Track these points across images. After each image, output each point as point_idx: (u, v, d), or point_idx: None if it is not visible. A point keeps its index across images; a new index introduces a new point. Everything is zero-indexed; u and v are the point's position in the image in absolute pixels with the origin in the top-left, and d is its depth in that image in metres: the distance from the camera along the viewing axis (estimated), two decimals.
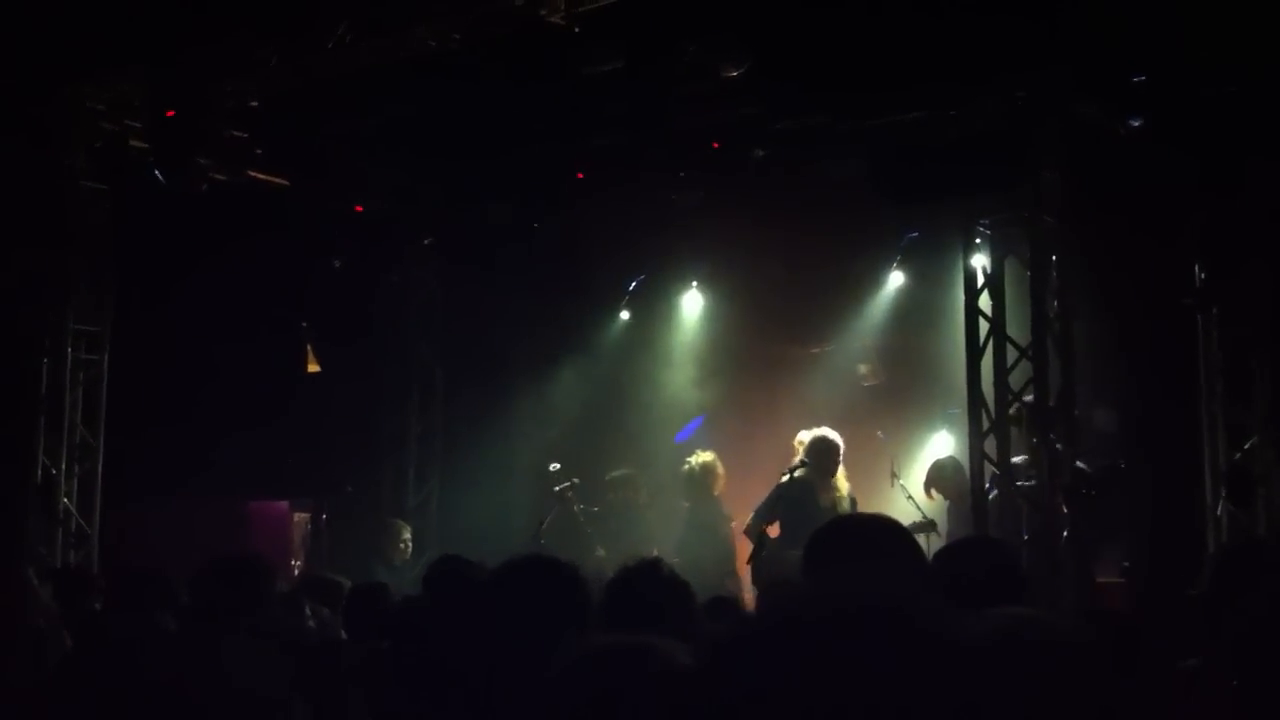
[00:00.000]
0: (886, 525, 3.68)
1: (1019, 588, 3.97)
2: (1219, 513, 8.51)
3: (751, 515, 9.69)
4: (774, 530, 9.60)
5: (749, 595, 8.98)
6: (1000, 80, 8.17)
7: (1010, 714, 1.27)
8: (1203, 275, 8.69)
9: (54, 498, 10.20)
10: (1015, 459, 8.76)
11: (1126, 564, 9.04)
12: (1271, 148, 7.80)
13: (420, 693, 3.00)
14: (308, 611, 6.21)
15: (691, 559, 8.98)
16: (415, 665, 3.40)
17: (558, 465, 10.73)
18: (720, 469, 10.46)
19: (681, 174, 10.20)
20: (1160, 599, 7.40)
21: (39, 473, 10.16)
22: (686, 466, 10.53)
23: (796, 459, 9.67)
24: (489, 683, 2.84)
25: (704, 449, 10.63)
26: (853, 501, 9.64)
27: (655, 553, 8.46)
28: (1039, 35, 7.79)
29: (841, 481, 9.63)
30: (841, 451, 9.62)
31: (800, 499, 9.46)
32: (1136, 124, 8.11)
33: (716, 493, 10.45)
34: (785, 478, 9.61)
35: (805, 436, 9.73)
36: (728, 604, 5.74)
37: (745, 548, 9.67)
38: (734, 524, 10.49)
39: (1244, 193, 8.03)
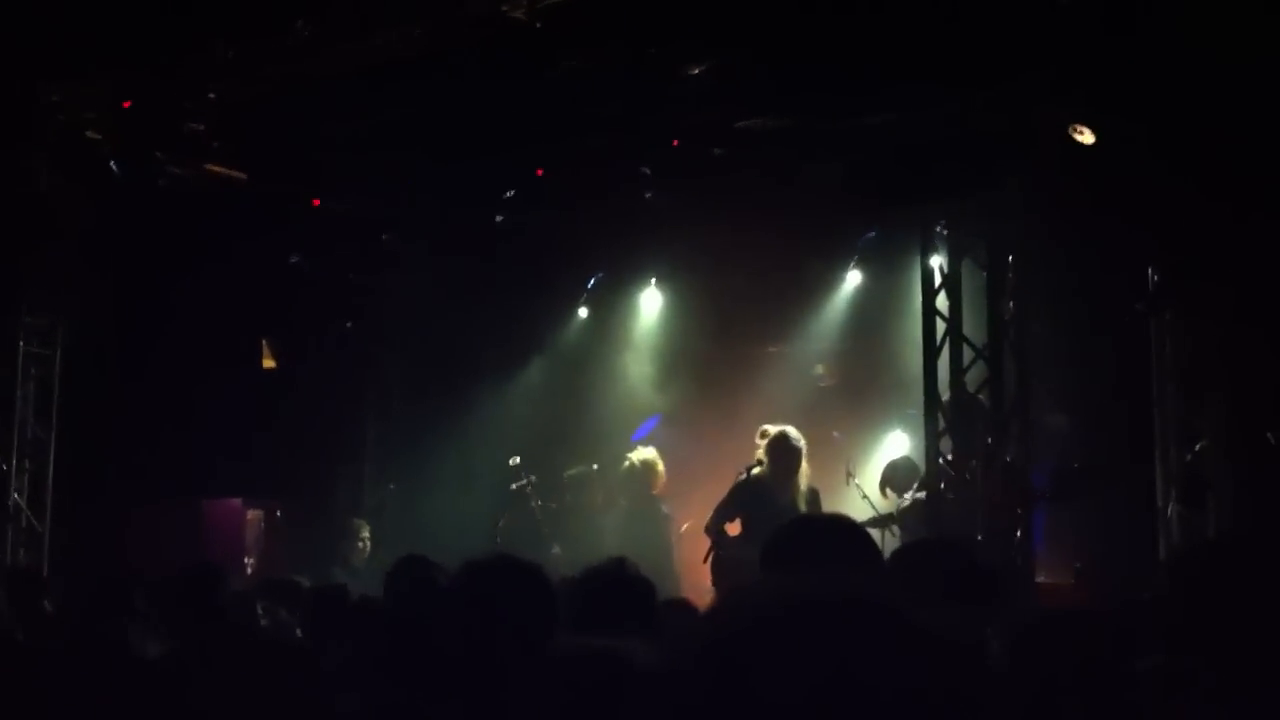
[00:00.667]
0: (845, 526, 3.71)
1: (981, 588, 4.01)
2: (1170, 514, 8.60)
3: (711, 513, 9.56)
4: (734, 528, 9.58)
5: (694, 596, 8.94)
6: (963, 86, 8.22)
7: (999, 710, 1.29)
8: (1156, 279, 8.79)
9: (4, 494, 10.08)
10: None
11: (1078, 565, 9.12)
12: (1227, 155, 7.89)
13: (387, 696, 2.99)
14: (259, 611, 6.17)
15: (631, 559, 8.91)
16: (380, 669, 3.39)
17: (517, 459, 10.69)
18: (660, 467, 10.33)
19: (643, 171, 10.18)
20: (1112, 600, 7.47)
21: None
22: (626, 463, 10.38)
23: (756, 455, 9.58)
24: (457, 687, 2.83)
25: (646, 446, 10.51)
26: (814, 498, 9.50)
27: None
28: (1003, 43, 7.84)
29: (802, 480, 9.48)
30: (803, 450, 9.47)
31: (759, 497, 9.34)
32: (1101, 131, 8.18)
33: (655, 491, 10.30)
34: (742, 475, 9.54)
35: (770, 430, 9.58)
36: (681, 606, 5.75)
37: (701, 546, 9.64)
38: (685, 526, 10.49)
39: (1199, 199, 8.11)
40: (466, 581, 3.09)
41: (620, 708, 2.13)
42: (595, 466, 11.00)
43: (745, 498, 9.44)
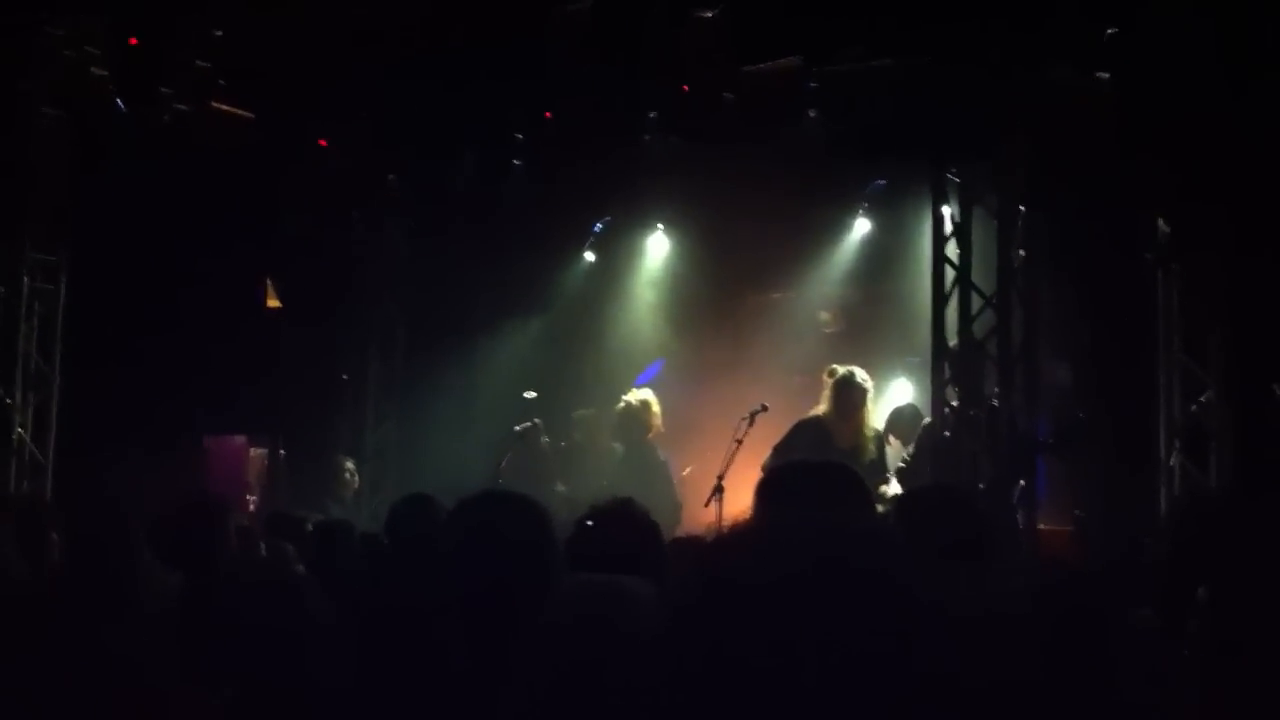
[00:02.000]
0: (843, 473, 3.70)
1: (981, 538, 4.01)
2: (1172, 463, 8.62)
3: (769, 454, 8.89)
4: None
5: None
6: (973, 30, 8.15)
7: (994, 680, 1.28)
8: (1165, 230, 8.76)
9: (8, 426, 10.10)
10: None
11: (1078, 512, 9.15)
12: (1237, 106, 7.84)
13: (393, 633, 3.00)
14: (262, 548, 6.20)
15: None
16: (385, 606, 3.40)
17: (533, 394, 10.57)
18: (656, 409, 10.05)
19: (650, 116, 10.12)
20: (1112, 548, 7.51)
21: None
22: (622, 405, 10.13)
23: (823, 395, 9.13)
24: (460, 623, 2.84)
25: (642, 390, 10.27)
26: (879, 443, 9.17)
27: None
28: None
29: (867, 425, 9.07)
30: (869, 392, 9.03)
31: (818, 438, 8.85)
32: (1107, 77, 8.12)
33: (651, 435, 10.09)
34: (806, 415, 9.10)
35: (837, 370, 9.14)
36: (690, 544, 5.75)
37: (703, 490, 9.54)
38: (688, 470, 10.48)
39: (1209, 150, 8.06)
40: (461, 514, 3.08)
41: (623, 642, 2.14)
42: (592, 410, 10.92)
43: (804, 439, 8.88)
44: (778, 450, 8.90)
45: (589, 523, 3.56)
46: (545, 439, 10.54)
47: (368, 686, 2.83)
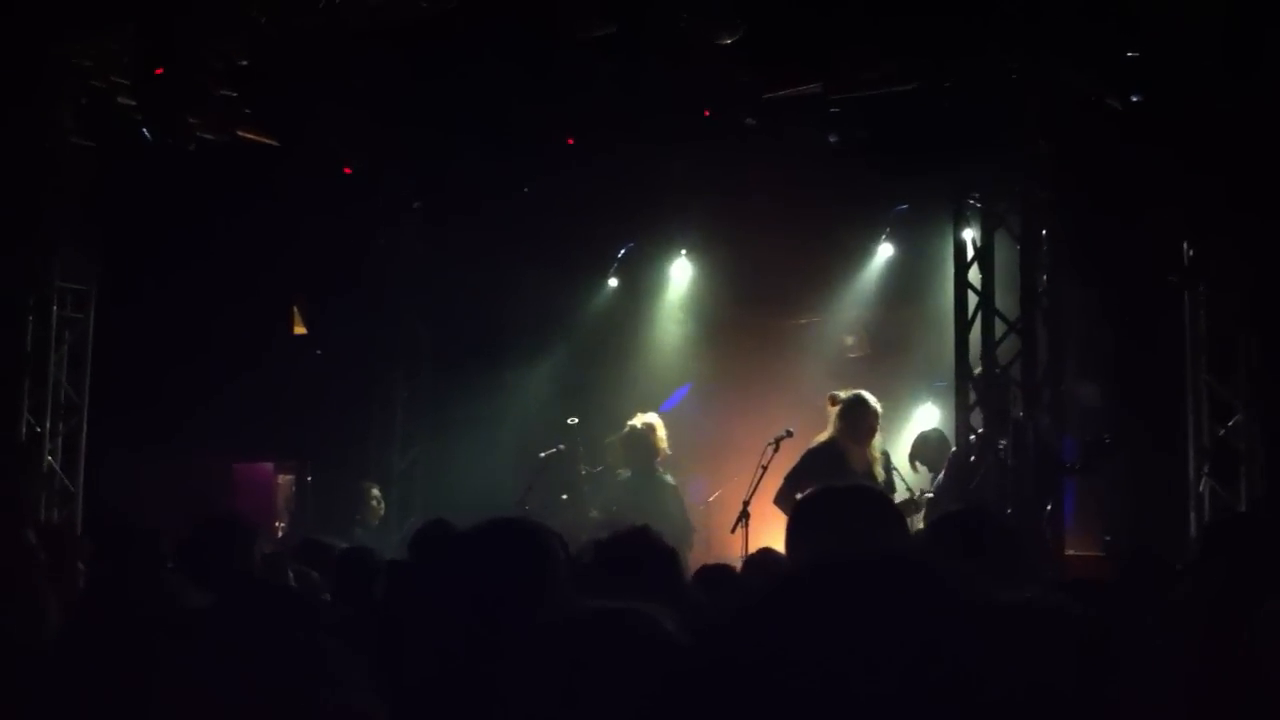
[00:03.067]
0: (874, 496, 3.69)
1: (1014, 560, 3.99)
2: (1201, 488, 8.55)
3: (782, 481, 8.97)
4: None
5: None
6: (994, 53, 8.15)
7: (1029, 680, 1.26)
8: (1190, 252, 8.71)
9: (38, 456, 10.16)
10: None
11: (1108, 538, 9.08)
12: (1261, 126, 7.80)
13: (407, 655, 3.00)
14: (290, 575, 6.20)
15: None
16: (401, 628, 3.40)
17: (575, 419, 10.46)
18: (662, 433, 9.91)
19: (673, 141, 10.13)
20: (1142, 573, 7.43)
21: (22, 430, 10.11)
22: (627, 429, 9.99)
23: (830, 420, 9.10)
24: (469, 646, 2.83)
25: (648, 414, 10.10)
26: (887, 461, 9.18)
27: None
28: (1032, 8, 7.78)
29: (876, 446, 9.06)
30: (878, 414, 9.03)
31: (834, 462, 8.78)
32: (1134, 100, 8.10)
33: (659, 460, 9.95)
34: (815, 442, 9.07)
35: (841, 395, 9.14)
36: (717, 571, 5.72)
37: (729, 516, 9.52)
38: (714, 495, 10.43)
39: (1233, 170, 8.03)
40: (468, 540, 3.08)
41: (642, 668, 2.12)
42: (610, 440, 10.79)
43: (819, 464, 8.79)
44: (790, 478, 8.88)
45: (605, 550, 3.55)
46: (584, 468, 10.41)
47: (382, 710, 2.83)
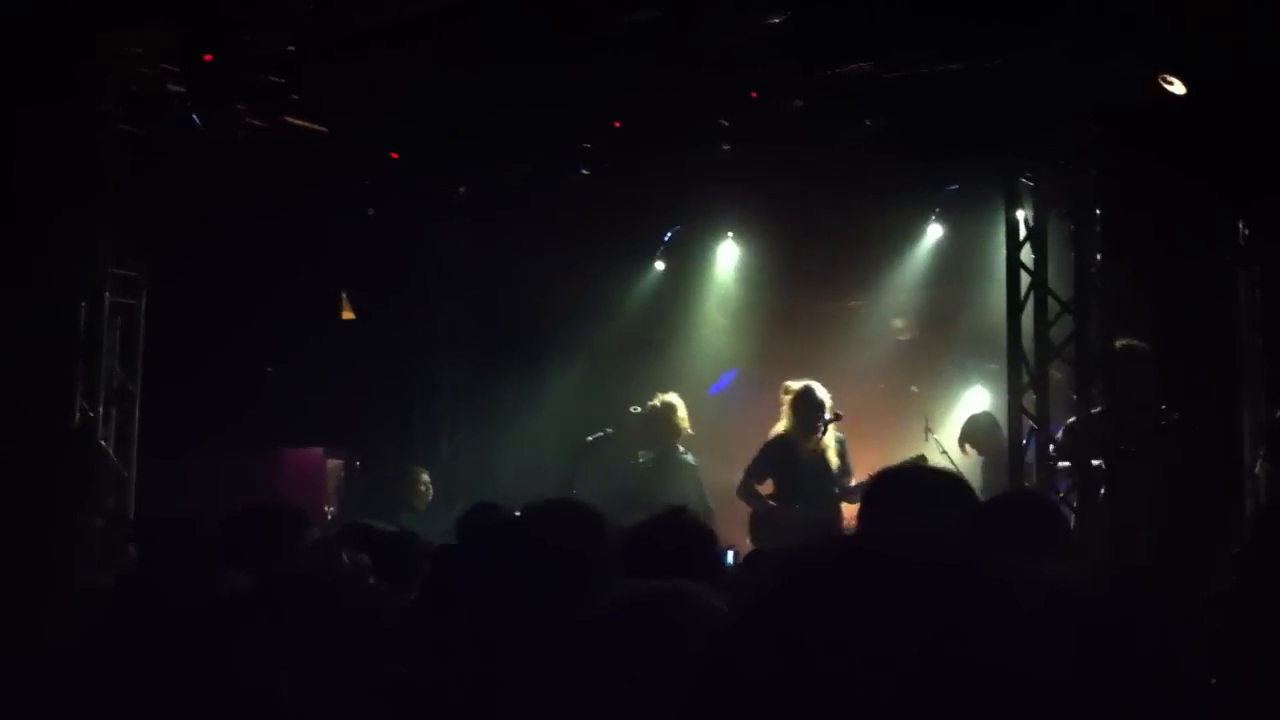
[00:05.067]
0: (950, 478, 3.65)
1: (1060, 543, 3.95)
2: (1257, 471, 8.43)
3: (742, 475, 9.62)
4: (767, 489, 9.58)
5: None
6: (1044, 30, 8.04)
7: (1073, 673, 1.24)
8: (1245, 231, 8.58)
9: (93, 441, 10.26)
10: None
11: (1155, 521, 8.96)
12: None
13: (451, 639, 3.00)
14: (344, 558, 6.22)
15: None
16: (448, 612, 3.40)
17: (638, 408, 10.44)
18: (682, 412, 10.09)
19: (720, 124, 10.08)
20: (1195, 557, 7.34)
21: (76, 416, 10.21)
22: (648, 407, 10.15)
23: (783, 411, 9.57)
24: (517, 627, 2.83)
25: (666, 393, 10.23)
26: (842, 450, 9.51)
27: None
28: None
29: (829, 433, 9.45)
30: (827, 404, 9.44)
31: (785, 454, 9.43)
32: (1187, 80, 7.98)
33: (680, 441, 10.09)
34: (771, 434, 9.58)
35: (793, 386, 9.59)
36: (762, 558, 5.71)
37: (743, 510, 9.62)
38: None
39: None
40: (521, 521, 3.09)
41: (687, 647, 2.11)
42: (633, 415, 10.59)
43: (772, 456, 9.48)
44: (749, 472, 9.57)
45: (643, 533, 3.54)
46: (639, 459, 10.33)
47: (426, 688, 2.84)
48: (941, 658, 1.14)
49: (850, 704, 1.14)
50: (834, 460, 9.39)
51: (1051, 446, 8.68)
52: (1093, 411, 8.48)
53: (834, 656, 1.16)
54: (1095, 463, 8.43)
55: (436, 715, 2.95)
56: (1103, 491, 8.41)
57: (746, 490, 9.61)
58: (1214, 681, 3.14)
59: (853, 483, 9.34)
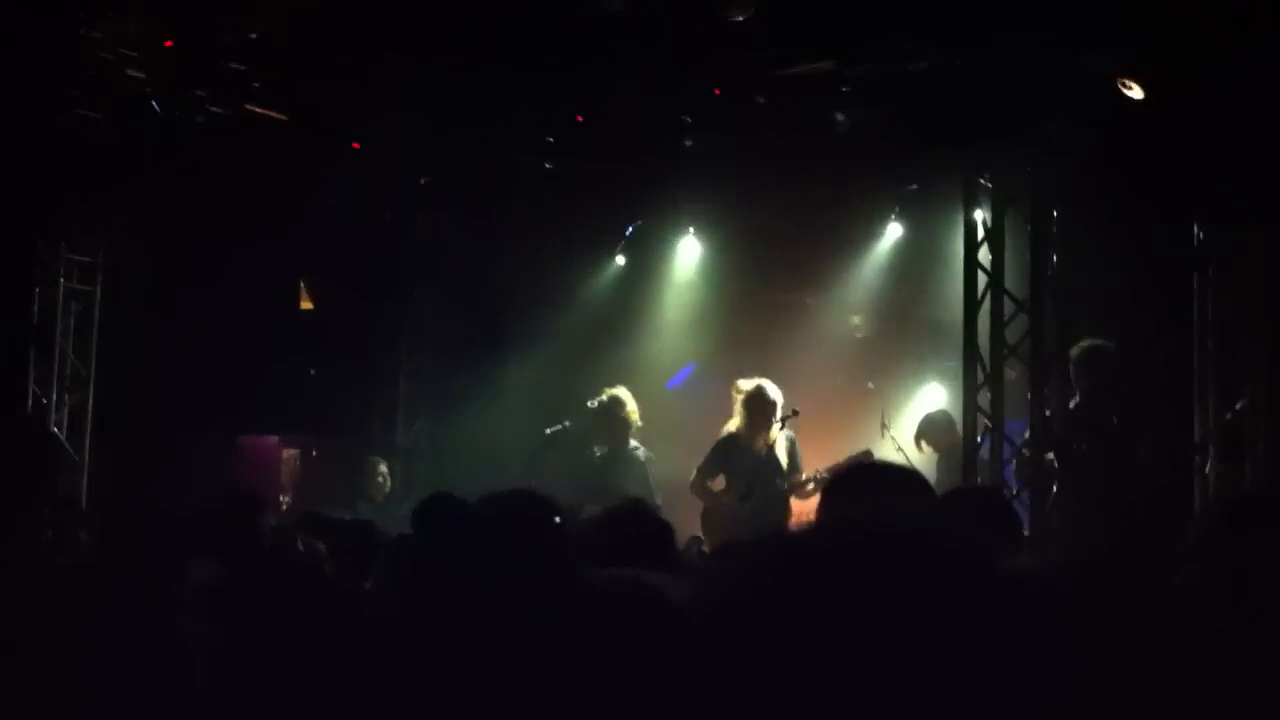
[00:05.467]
0: (908, 473, 3.69)
1: (1014, 539, 4.00)
2: (1208, 470, 8.53)
3: (694, 473, 9.78)
4: (718, 484, 9.70)
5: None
6: (1008, 30, 8.11)
7: (1049, 647, 1.25)
8: (1201, 233, 8.68)
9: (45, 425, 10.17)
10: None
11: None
12: (1273, 105, 7.76)
13: (413, 629, 3.00)
14: (300, 546, 6.21)
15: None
16: (407, 602, 3.41)
17: (594, 402, 10.25)
18: (630, 406, 10.14)
19: (683, 119, 10.10)
20: (1148, 553, 7.42)
21: (29, 402, 10.12)
22: (594, 404, 10.19)
23: (735, 410, 9.71)
24: (480, 618, 2.83)
25: (615, 387, 10.25)
26: (792, 448, 9.64)
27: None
28: None
29: (776, 433, 9.59)
30: (778, 404, 9.57)
31: (736, 451, 9.61)
32: (1147, 82, 8.07)
33: (630, 434, 10.14)
34: (723, 431, 9.73)
35: (744, 385, 9.73)
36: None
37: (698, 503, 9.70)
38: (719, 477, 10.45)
39: (1246, 152, 7.99)
40: (480, 512, 3.09)
41: (653, 637, 2.12)
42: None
43: (724, 454, 9.67)
44: (701, 468, 9.75)
45: (602, 526, 3.56)
46: (596, 452, 10.30)
47: (389, 682, 2.83)
48: (931, 633, 1.15)
49: (835, 689, 1.14)
50: (784, 458, 9.55)
51: (1027, 434, 8.72)
52: (1070, 406, 8.56)
53: (819, 643, 1.16)
54: (1056, 458, 8.51)
55: (396, 706, 2.95)
56: (1055, 488, 8.49)
57: (699, 486, 9.76)
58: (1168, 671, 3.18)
59: (803, 478, 9.50)
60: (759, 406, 9.54)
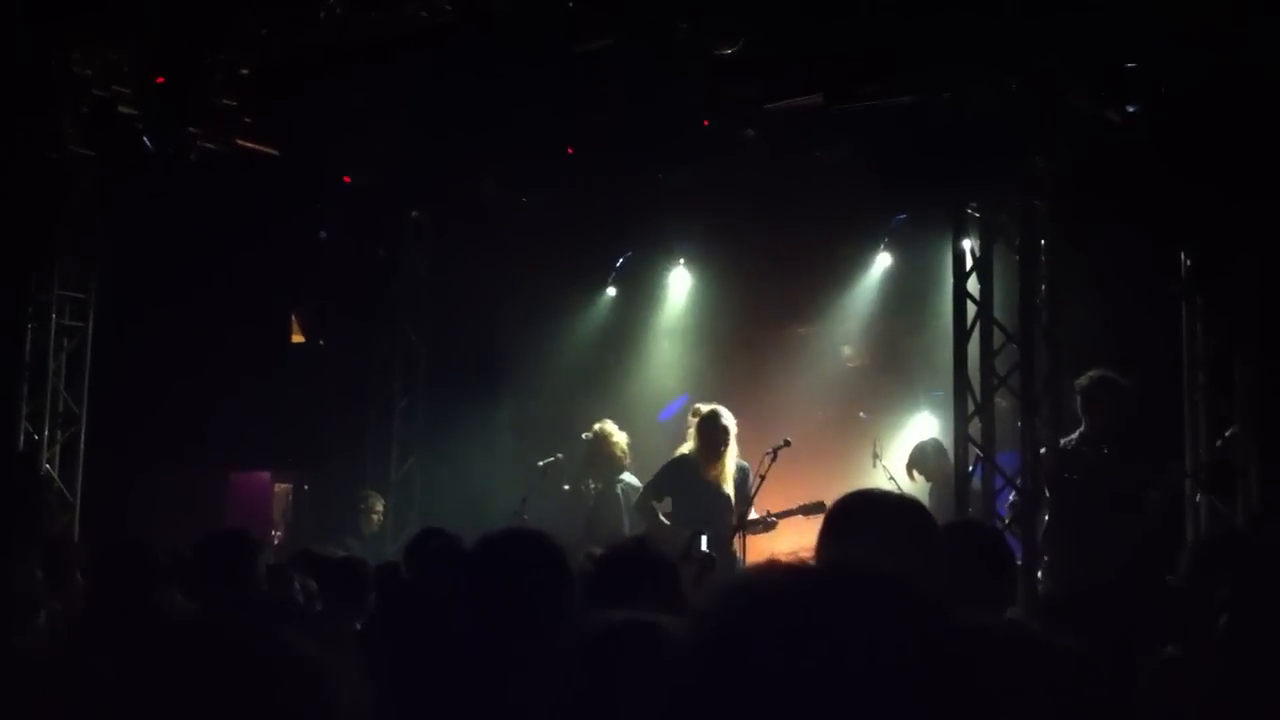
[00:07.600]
0: (909, 504, 3.68)
1: (1005, 571, 4.02)
2: (1198, 502, 8.54)
3: (643, 490, 9.69)
4: (667, 506, 9.62)
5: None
6: (994, 67, 8.17)
7: (1014, 704, 1.27)
8: (1189, 265, 8.72)
9: (36, 464, 10.15)
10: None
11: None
12: (1261, 139, 7.82)
13: (408, 667, 3.00)
14: (296, 585, 6.20)
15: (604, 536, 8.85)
16: (401, 640, 3.40)
17: (589, 434, 10.35)
18: (616, 439, 10.20)
19: (673, 150, 10.14)
20: (1138, 587, 7.44)
21: (20, 439, 10.12)
22: (585, 438, 10.25)
23: (688, 434, 9.61)
24: (479, 658, 2.84)
25: (602, 421, 10.34)
26: (742, 477, 9.46)
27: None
28: (1033, 22, 7.80)
29: (729, 460, 9.47)
30: (731, 431, 9.45)
31: (684, 475, 9.47)
32: (1131, 110, 8.11)
33: (619, 466, 10.17)
34: (676, 454, 9.63)
35: (701, 409, 9.63)
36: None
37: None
38: None
39: (1233, 184, 8.04)
40: (485, 550, 3.09)
41: (652, 678, 2.12)
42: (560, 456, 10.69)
43: (670, 476, 9.55)
44: (649, 487, 9.63)
45: (604, 564, 3.56)
46: (588, 486, 10.37)
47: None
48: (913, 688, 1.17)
49: None
50: (729, 490, 9.40)
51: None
52: (1072, 437, 8.55)
53: (801, 684, 1.18)
54: (1048, 490, 8.52)
55: None
56: (1045, 518, 8.49)
57: (642, 506, 9.65)
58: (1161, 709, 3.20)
59: (752, 514, 9.33)
60: (708, 431, 9.41)
